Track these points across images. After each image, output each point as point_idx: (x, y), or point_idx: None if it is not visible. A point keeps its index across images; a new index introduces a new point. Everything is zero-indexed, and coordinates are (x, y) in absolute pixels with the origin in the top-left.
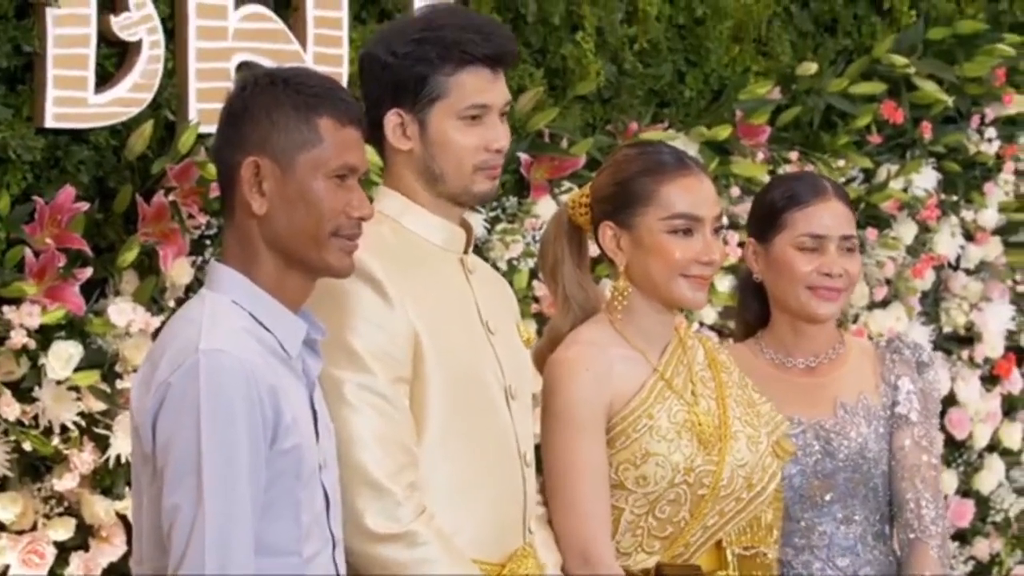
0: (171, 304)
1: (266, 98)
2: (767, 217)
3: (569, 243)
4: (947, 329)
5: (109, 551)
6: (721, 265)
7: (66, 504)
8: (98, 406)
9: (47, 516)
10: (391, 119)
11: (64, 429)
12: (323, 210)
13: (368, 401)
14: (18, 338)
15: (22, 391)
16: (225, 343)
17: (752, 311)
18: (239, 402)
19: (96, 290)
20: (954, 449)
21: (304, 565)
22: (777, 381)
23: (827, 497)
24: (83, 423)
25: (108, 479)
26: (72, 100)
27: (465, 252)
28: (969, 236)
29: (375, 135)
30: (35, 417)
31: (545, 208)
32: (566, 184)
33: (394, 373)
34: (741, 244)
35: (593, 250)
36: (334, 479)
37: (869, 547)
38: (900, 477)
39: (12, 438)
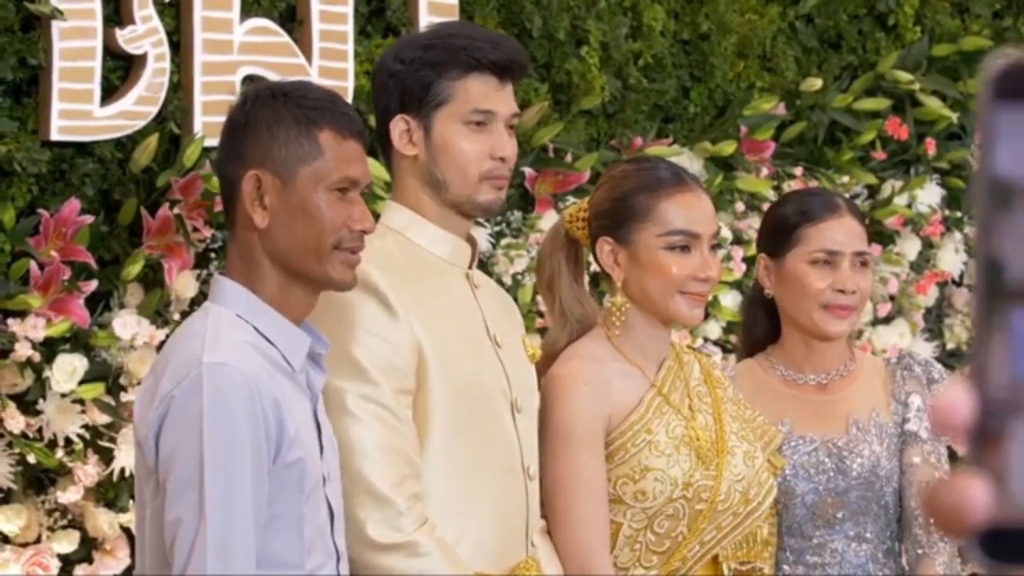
0: (176, 317)
1: (267, 112)
2: (779, 233)
3: (566, 257)
4: (950, 345)
5: (113, 564)
6: (718, 282)
7: (70, 517)
8: (102, 419)
9: (51, 529)
10: (397, 124)
11: (68, 442)
12: (324, 223)
13: (371, 412)
14: (23, 350)
15: (26, 403)
16: (229, 356)
17: (761, 327)
18: (242, 415)
19: (101, 303)
20: (957, 466)
21: None
22: (789, 398)
23: (839, 515)
24: (87, 436)
25: (112, 492)
26: (77, 113)
27: (470, 267)
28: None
29: (384, 145)
30: (39, 430)
31: (550, 223)
32: (571, 199)
33: (398, 384)
34: (746, 259)
35: (596, 267)
36: (338, 493)
37: (880, 564)
38: (909, 494)
39: (16, 450)
